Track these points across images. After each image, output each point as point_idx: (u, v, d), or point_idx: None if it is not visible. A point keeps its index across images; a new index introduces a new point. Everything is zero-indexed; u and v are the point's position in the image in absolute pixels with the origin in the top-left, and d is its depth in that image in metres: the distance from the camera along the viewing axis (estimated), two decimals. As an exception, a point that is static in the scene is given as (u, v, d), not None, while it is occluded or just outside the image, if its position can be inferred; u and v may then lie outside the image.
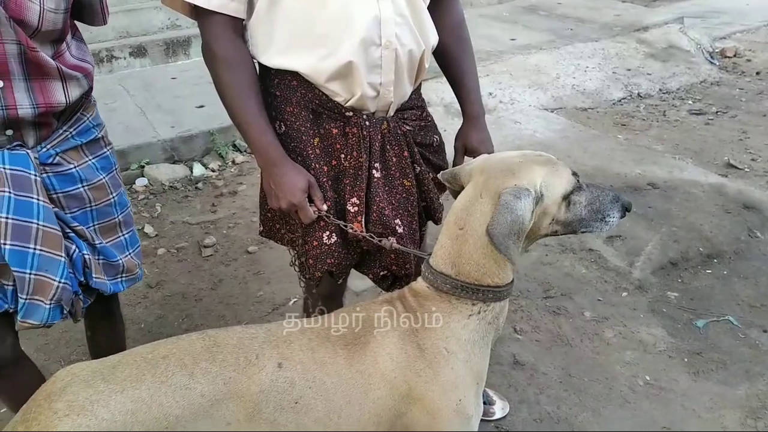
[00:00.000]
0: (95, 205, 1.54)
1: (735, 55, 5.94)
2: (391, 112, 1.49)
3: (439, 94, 4.58)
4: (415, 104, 1.56)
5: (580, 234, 1.31)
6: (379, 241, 1.42)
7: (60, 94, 1.40)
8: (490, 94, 4.87)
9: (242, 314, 2.56)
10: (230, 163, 3.89)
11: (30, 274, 1.36)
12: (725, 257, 2.90)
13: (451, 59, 1.64)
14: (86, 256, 1.50)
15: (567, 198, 1.22)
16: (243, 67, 1.39)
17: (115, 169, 1.64)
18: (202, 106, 4.27)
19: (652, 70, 5.51)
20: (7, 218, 1.34)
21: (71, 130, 1.49)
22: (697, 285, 2.72)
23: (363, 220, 1.46)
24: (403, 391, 1.17)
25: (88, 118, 1.54)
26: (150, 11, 5.38)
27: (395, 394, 1.17)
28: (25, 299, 1.37)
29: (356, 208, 1.45)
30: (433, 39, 1.51)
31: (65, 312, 1.46)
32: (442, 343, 1.20)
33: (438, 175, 1.42)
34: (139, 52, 5.18)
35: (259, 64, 1.45)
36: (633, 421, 2.03)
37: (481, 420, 1.99)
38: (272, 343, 1.17)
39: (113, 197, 1.59)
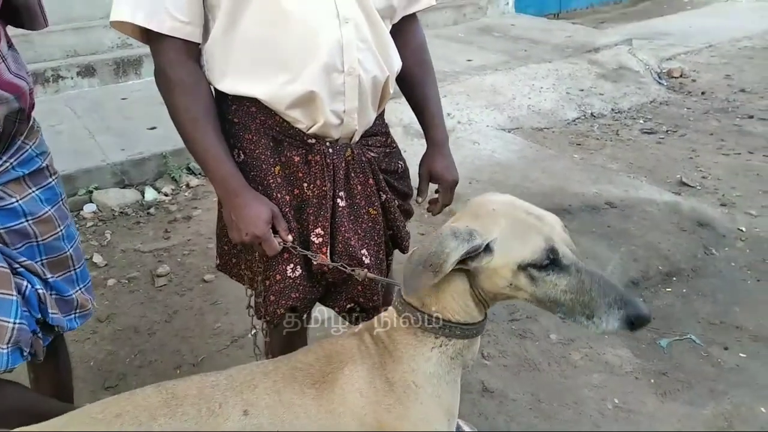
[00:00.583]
0: (42, 240, 1.44)
1: (681, 76, 6.15)
2: (356, 139, 1.43)
3: (398, 115, 4.56)
4: (380, 130, 1.52)
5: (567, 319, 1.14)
6: (352, 270, 1.36)
7: None
8: (448, 114, 4.88)
9: (199, 348, 2.44)
10: (184, 186, 3.76)
11: None
12: (684, 275, 2.94)
13: (414, 84, 1.61)
14: (40, 291, 1.39)
15: (525, 269, 1.07)
16: (199, 93, 1.31)
17: (62, 200, 1.52)
18: (154, 128, 4.13)
19: (604, 90, 5.64)
20: None
21: (12, 160, 1.37)
22: (659, 304, 2.75)
23: (328, 251, 1.40)
24: (374, 428, 1.12)
25: (30, 146, 1.41)
26: (99, 30, 5.20)
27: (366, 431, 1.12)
28: None
29: (321, 239, 1.39)
30: (397, 64, 1.47)
31: (26, 354, 1.35)
32: (410, 377, 1.15)
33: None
34: (87, 71, 5.00)
35: (216, 90, 1.38)
36: (604, 446, 2.01)
37: (452, 452, 1.95)
38: (235, 390, 1.11)
39: (60, 230, 1.48)
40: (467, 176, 3.98)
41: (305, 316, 1.52)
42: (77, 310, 1.54)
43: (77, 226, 3.27)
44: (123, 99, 4.76)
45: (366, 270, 1.37)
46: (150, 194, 3.66)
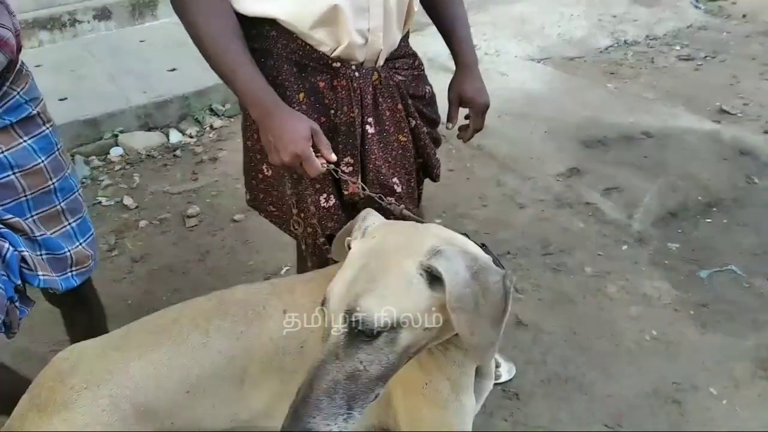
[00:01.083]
0: (30, 194, 1.35)
1: (721, -2, 5.82)
2: (381, 62, 1.35)
3: (421, 48, 4.40)
4: (406, 52, 1.44)
5: None
6: (389, 204, 1.30)
7: None
8: (475, 45, 4.70)
9: (234, 284, 2.44)
10: (208, 128, 3.71)
11: None
12: (724, 205, 2.84)
13: (441, 5, 1.52)
14: (25, 254, 1.30)
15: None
16: (221, 11, 1.22)
17: (58, 150, 1.42)
18: (174, 70, 4.06)
19: (638, 15, 5.37)
20: None
21: None
22: (698, 235, 2.67)
23: (359, 179, 1.35)
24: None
25: (17, 93, 1.31)
26: (114, -30, 5.06)
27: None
28: None
29: (351, 168, 1.34)
30: None
31: None
32: None
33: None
34: (103, 14, 4.90)
35: (235, 13, 1.30)
36: (642, 377, 1.99)
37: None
38: (276, 294, 1.16)
39: (53, 183, 1.38)
40: (496, 109, 3.83)
41: None
42: (74, 268, 1.45)
43: (105, 170, 3.29)
44: (141, 41, 4.68)
45: (402, 205, 1.32)
46: (175, 136, 3.63)
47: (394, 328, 0.88)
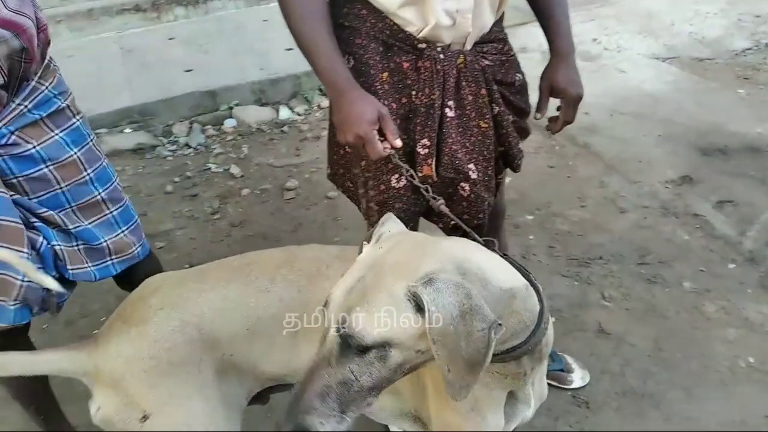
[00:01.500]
0: (66, 186, 1.36)
1: None
2: (469, 45, 1.34)
3: (537, 39, 4.27)
4: (496, 37, 1.40)
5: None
6: (430, 199, 1.29)
7: None
8: (594, 39, 4.50)
9: (319, 259, 2.55)
10: (316, 107, 3.85)
11: None
12: None
13: None
14: (57, 247, 1.33)
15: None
16: None
17: (91, 141, 1.43)
18: (290, 49, 4.23)
19: (786, 16, 4.86)
20: None
21: (26, 102, 1.29)
22: (821, 261, 2.41)
23: (433, 163, 1.34)
24: None
25: (46, 87, 1.33)
26: (245, -50, 5.34)
27: None
28: None
29: (426, 150, 1.34)
30: None
31: (36, 310, 1.32)
32: None
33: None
34: (233, -7, 5.19)
35: None
36: (730, 405, 1.84)
37: (558, 388, 1.89)
38: (342, 258, 1.21)
39: (89, 174, 1.39)
40: (610, 107, 3.68)
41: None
42: (114, 256, 1.45)
43: (218, 139, 3.51)
44: (264, 20, 4.91)
45: (441, 201, 1.29)
46: (284, 113, 3.79)
47: (383, 347, 0.87)
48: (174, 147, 3.45)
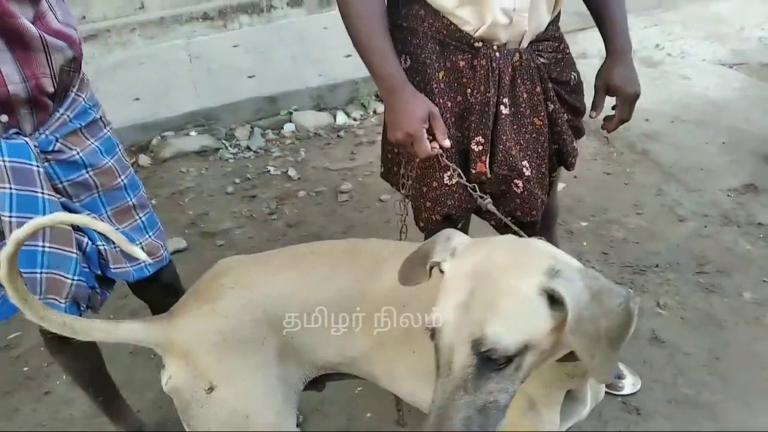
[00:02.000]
0: (103, 191, 1.43)
1: None
2: (525, 44, 1.36)
3: (596, 45, 4.21)
4: (552, 35, 1.42)
5: None
6: (476, 198, 1.33)
7: (44, 67, 1.25)
8: (657, 45, 4.39)
9: (371, 260, 2.60)
10: (371, 113, 3.92)
11: (41, 273, 1.28)
12: None
13: None
14: (101, 247, 1.41)
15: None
16: None
17: (119, 150, 1.51)
18: (349, 56, 4.32)
19: None
20: (10, 217, 1.23)
21: (68, 112, 1.36)
22: None
23: (487, 160, 1.37)
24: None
25: (83, 98, 1.41)
26: (306, -39, 5.51)
27: None
28: (40, 300, 1.21)
29: (481, 147, 1.37)
30: None
31: (83, 307, 1.39)
32: None
33: None
34: (295, 2, 5.34)
35: None
36: (790, 419, 1.78)
37: (609, 393, 1.87)
38: (400, 253, 1.17)
39: (122, 180, 1.47)
40: (671, 114, 3.59)
41: (460, 226, 1.50)
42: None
43: (278, 144, 3.63)
44: (324, 28, 5.03)
45: (489, 200, 1.32)
46: (341, 118, 3.89)
47: (522, 352, 0.84)
48: (235, 150, 3.59)
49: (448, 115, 1.37)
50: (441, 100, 1.36)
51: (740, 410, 1.81)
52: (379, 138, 3.67)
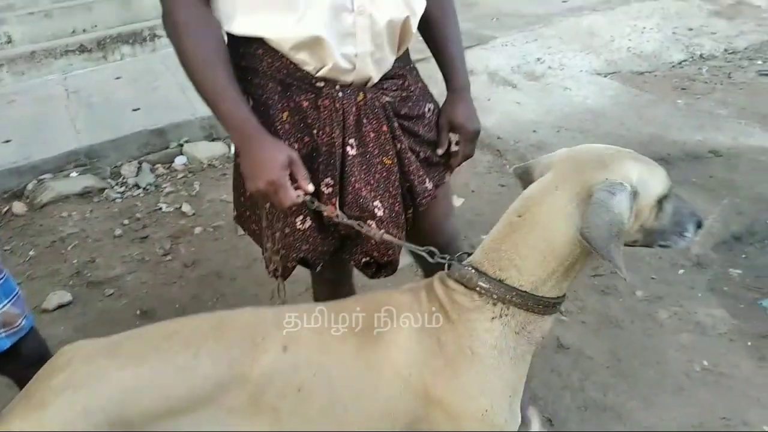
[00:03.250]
0: None
1: (812, 9, 5.44)
2: (370, 84, 1.32)
3: (483, 62, 4.38)
4: (396, 72, 1.37)
5: (656, 247, 1.14)
6: (366, 229, 1.28)
7: None
8: (539, 59, 4.62)
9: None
10: (268, 139, 3.83)
11: None
12: (796, 230, 2.64)
13: (431, 23, 1.44)
14: None
15: (660, 202, 1.07)
16: (207, 35, 1.22)
17: None
18: (240, 83, 4.23)
19: (716, 28, 5.11)
20: None
21: None
22: (764, 261, 2.49)
23: (337, 202, 1.32)
24: (420, 391, 1.06)
25: None
26: (190, -12, 5.34)
27: (411, 394, 1.05)
28: None
29: (330, 189, 1.32)
30: (420, 4, 1.32)
31: None
32: (466, 341, 1.07)
33: (511, 171, 1.24)
34: (180, 30, 5.16)
35: (228, 35, 1.30)
36: (688, 410, 1.87)
37: None
38: (280, 326, 1.10)
39: None
40: (555, 124, 3.77)
41: (318, 269, 1.43)
42: (2, 330, 1.41)
43: (169, 178, 3.46)
44: (213, 55, 4.90)
45: (383, 230, 1.29)
46: (236, 147, 3.76)
47: None
48: (123, 189, 3.38)
49: None
50: (287, 142, 1.29)
51: (643, 408, 1.89)
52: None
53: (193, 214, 3.13)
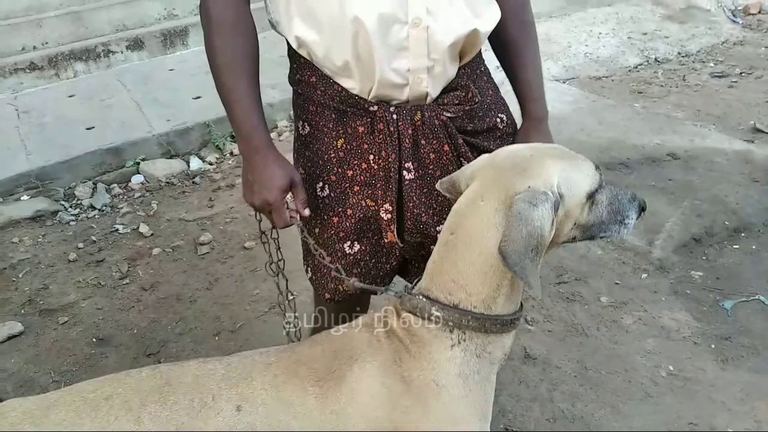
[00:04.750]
0: None
1: (760, 12, 5.61)
2: (430, 100, 1.23)
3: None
4: (459, 83, 1.25)
5: (598, 240, 1.12)
6: (345, 278, 1.24)
7: None
8: (498, 67, 4.63)
9: (238, 314, 2.44)
10: (228, 154, 3.76)
11: None
12: (753, 230, 2.69)
13: (509, 44, 1.34)
14: None
15: (591, 197, 1.03)
16: (239, 33, 1.18)
17: None
18: (198, 97, 4.13)
19: (669, 32, 5.22)
20: None
21: None
22: (724, 262, 2.52)
23: (395, 229, 1.27)
24: None
25: None
26: (146, 2, 5.23)
27: None
28: None
29: (389, 216, 1.26)
30: (491, 13, 1.21)
31: None
32: (430, 375, 1.01)
33: (437, 186, 1.17)
34: (136, 44, 5.05)
35: (288, 48, 1.26)
36: (656, 417, 1.87)
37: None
38: (231, 381, 1.01)
39: None
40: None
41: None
42: None
43: (126, 198, 3.35)
44: (170, 70, 4.79)
45: (355, 279, 1.24)
46: (195, 163, 3.68)
47: None
48: (77, 211, 3.26)
49: (347, 185, 1.27)
50: (340, 170, 1.26)
51: (613, 417, 1.88)
52: (239, 181, 3.51)
53: (151, 235, 3.03)
